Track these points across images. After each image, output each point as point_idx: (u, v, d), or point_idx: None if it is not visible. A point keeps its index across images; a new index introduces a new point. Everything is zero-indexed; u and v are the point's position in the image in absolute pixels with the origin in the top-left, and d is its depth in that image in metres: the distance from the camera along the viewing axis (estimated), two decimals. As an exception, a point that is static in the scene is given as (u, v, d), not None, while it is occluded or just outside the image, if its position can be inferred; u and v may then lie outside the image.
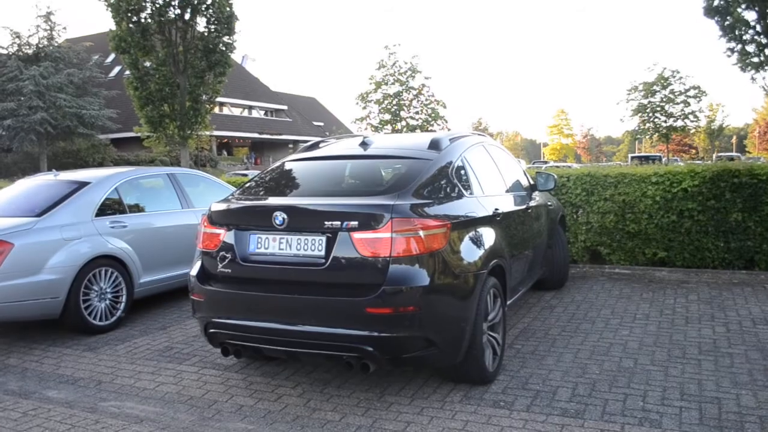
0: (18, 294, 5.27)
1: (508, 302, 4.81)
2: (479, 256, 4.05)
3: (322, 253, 3.68)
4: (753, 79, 7.97)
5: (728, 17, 6.79)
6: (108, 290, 5.93)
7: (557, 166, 31.36)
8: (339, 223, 3.61)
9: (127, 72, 15.86)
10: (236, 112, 57.72)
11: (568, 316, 5.76)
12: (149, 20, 15.25)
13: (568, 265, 6.89)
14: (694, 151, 59.34)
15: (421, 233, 3.60)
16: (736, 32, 6.91)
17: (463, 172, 4.45)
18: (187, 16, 15.41)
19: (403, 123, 29.75)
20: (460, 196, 4.22)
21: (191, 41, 15.42)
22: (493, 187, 4.93)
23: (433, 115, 30.00)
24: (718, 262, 7.18)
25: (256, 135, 53.79)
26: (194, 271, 4.16)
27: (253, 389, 4.35)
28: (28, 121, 29.66)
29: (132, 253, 6.12)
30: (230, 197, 4.34)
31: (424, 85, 30.16)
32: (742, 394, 3.86)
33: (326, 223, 3.65)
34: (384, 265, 3.53)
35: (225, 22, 15.96)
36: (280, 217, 3.74)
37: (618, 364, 4.47)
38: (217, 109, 55.04)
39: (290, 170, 4.65)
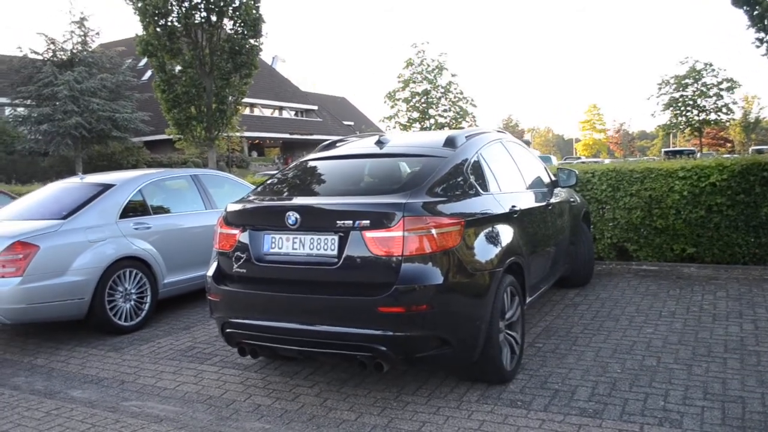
0: (44, 295, 5.39)
1: (528, 300, 4.75)
2: (495, 254, 4.01)
3: (335, 252, 3.68)
4: (781, 69, 7.73)
5: (757, 6, 6.59)
6: (133, 291, 6.03)
7: (585, 162, 30.97)
8: (351, 222, 3.61)
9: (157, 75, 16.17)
10: (267, 113, 58.19)
11: (592, 313, 5.67)
12: (176, 23, 15.49)
13: (593, 262, 6.78)
14: (729, 144, 57.90)
15: (434, 231, 3.57)
16: (766, 22, 6.71)
17: (479, 169, 4.41)
18: (213, 19, 15.59)
19: (432, 121, 29.67)
20: (475, 193, 4.18)
21: (217, 44, 15.58)
22: (510, 184, 4.88)
23: (461, 112, 29.87)
24: (749, 257, 6.99)
25: (286, 135, 54.12)
26: (211, 271, 4.20)
27: (271, 389, 4.38)
28: (63, 125, 30.28)
29: (156, 254, 6.21)
30: (246, 198, 4.37)
31: (451, 83, 30.04)
32: (767, 394, 3.75)
33: (338, 222, 3.65)
34: (396, 263, 3.52)
35: (252, 24, 16.04)
36: (293, 217, 3.76)
37: (640, 362, 4.38)
38: (247, 111, 55.73)
39: (306, 170, 4.66)
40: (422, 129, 29.95)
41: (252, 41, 15.81)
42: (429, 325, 3.57)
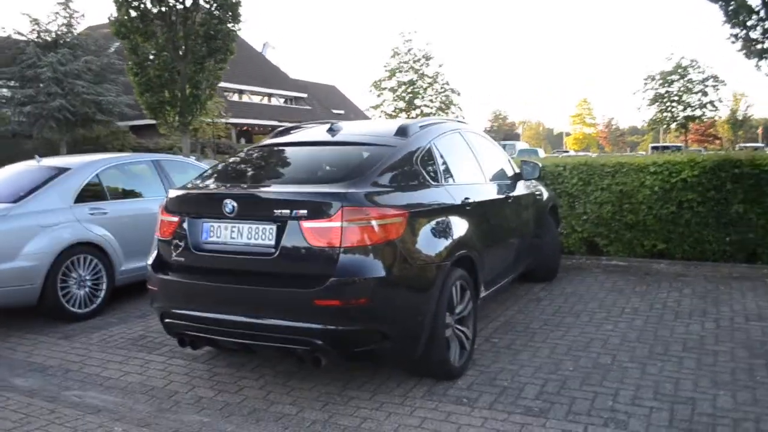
0: (-8, 281, 5.22)
1: (483, 294, 4.65)
2: (442, 247, 3.89)
3: (272, 242, 3.55)
4: (758, 66, 7.66)
5: (732, 2, 6.49)
6: (87, 278, 5.87)
7: (560, 156, 30.83)
8: (288, 211, 3.48)
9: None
10: (255, 99, 57.78)
11: (554, 309, 5.57)
12: (149, 6, 15.13)
13: (559, 257, 6.69)
14: (718, 141, 58.09)
15: (375, 223, 3.45)
16: (740, 18, 6.61)
17: (430, 159, 4.28)
18: (188, 2, 15.26)
19: (418, 111, 29.49)
20: (424, 184, 4.05)
21: (192, 27, 15.27)
22: (466, 175, 4.76)
23: (446, 102, 29.69)
24: (719, 254, 6.92)
25: (275, 123, 53.65)
26: (150, 260, 4.07)
27: (215, 380, 4.25)
28: (46, 107, 29.84)
29: (113, 240, 6.05)
30: (188, 185, 4.23)
31: (438, 73, 29.87)
32: (719, 395, 3.66)
33: (276, 211, 3.52)
34: (334, 255, 3.39)
35: (229, 8, 15.76)
36: (230, 204, 3.62)
37: (595, 360, 4.29)
38: (236, 97, 55.32)
39: (253, 157, 4.52)
40: (407, 118, 29.82)
41: (229, 26, 15.51)
42: (367, 319, 3.45)
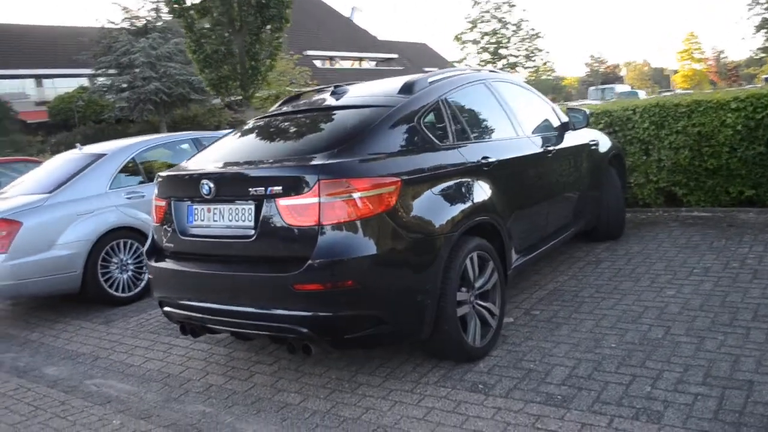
0: (32, 271, 5.32)
1: (518, 263, 4.17)
2: (449, 216, 3.43)
3: (252, 223, 3.25)
4: None
5: None
6: (130, 262, 5.88)
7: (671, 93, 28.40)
8: (263, 189, 3.16)
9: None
10: (346, 65, 57.87)
11: (613, 272, 4.96)
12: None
13: (623, 212, 5.97)
14: None
15: (358, 195, 3.05)
16: None
17: (438, 117, 3.80)
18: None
19: (504, 61, 28.18)
20: (427, 146, 3.59)
21: None
22: (490, 131, 4.24)
23: (532, 49, 28.16)
24: (820, 198, 5.95)
25: (367, 87, 53.21)
26: (146, 247, 3.90)
27: (230, 366, 4.08)
28: (143, 91, 31.23)
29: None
30: (179, 165, 4.00)
31: (522, 20, 28.31)
32: (787, 376, 3.03)
33: (251, 189, 3.21)
34: (312, 235, 3.04)
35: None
36: (206, 186, 3.36)
37: (644, 334, 3.72)
38: (328, 64, 55.65)
39: (246, 131, 4.21)
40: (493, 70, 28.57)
41: None
42: (356, 303, 3.09)
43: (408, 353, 3.83)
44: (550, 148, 4.72)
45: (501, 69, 28.51)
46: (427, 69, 51.70)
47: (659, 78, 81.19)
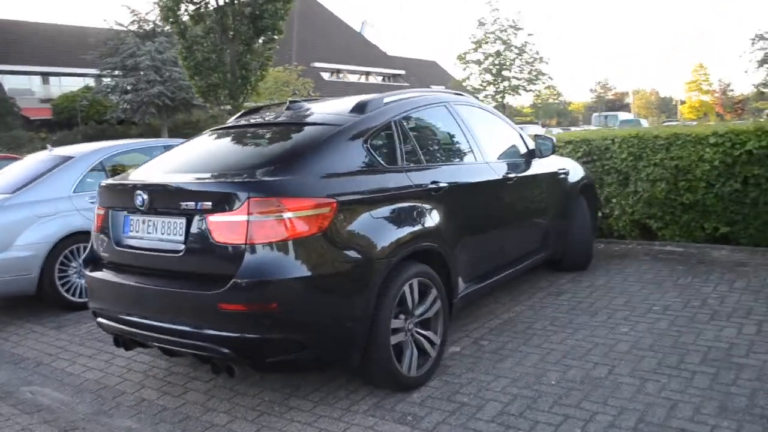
0: (-13, 270, 5.23)
1: (467, 292, 4.08)
2: (389, 241, 3.35)
3: (182, 238, 3.18)
4: None
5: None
6: (89, 266, 5.79)
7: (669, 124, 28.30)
8: (194, 204, 3.09)
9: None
10: (353, 78, 58.11)
11: (572, 305, 4.86)
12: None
13: (592, 243, 5.88)
14: None
15: (289, 215, 2.98)
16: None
17: (388, 139, 3.73)
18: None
19: (506, 83, 28.18)
20: (371, 168, 3.52)
21: (238, 7, 15.07)
22: (444, 155, 4.19)
23: (535, 73, 28.16)
24: (794, 240, 5.86)
25: (371, 102, 53.16)
26: (84, 255, 3.83)
27: (166, 381, 3.99)
28: (147, 94, 31.41)
29: (116, 227, 5.93)
30: (123, 174, 3.94)
31: (527, 43, 28.33)
32: (721, 427, 2.92)
33: (182, 204, 3.15)
34: (239, 253, 2.96)
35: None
36: (140, 197, 3.29)
37: (587, 372, 3.62)
38: (334, 77, 55.87)
39: (195, 143, 4.15)
40: (496, 92, 28.60)
41: (278, 4, 15.11)
42: (279, 327, 3.00)
43: (347, 378, 3.73)
44: (512, 175, 4.64)
45: (503, 91, 28.59)
46: (434, 87, 52.11)
47: (666, 107, 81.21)
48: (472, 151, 4.38)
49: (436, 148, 4.21)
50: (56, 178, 5.76)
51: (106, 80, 34.04)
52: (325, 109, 4.10)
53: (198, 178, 3.32)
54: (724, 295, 4.84)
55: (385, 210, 3.42)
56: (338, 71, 57.22)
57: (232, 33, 15.23)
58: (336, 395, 3.55)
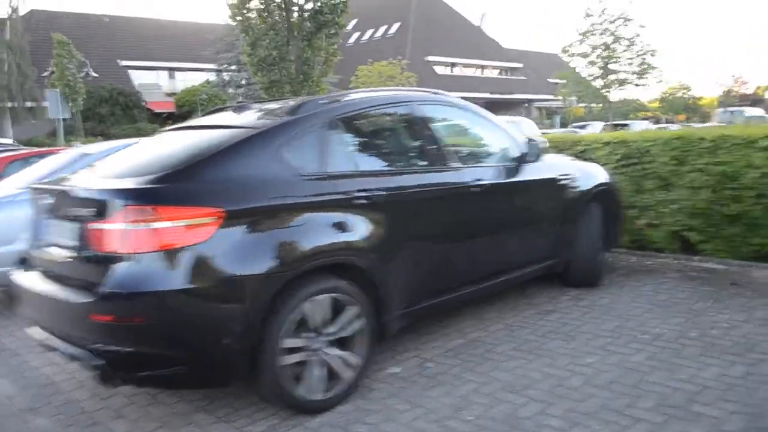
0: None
1: (408, 310, 3.74)
2: (285, 253, 3.11)
3: (73, 244, 3.15)
4: None
5: None
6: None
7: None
8: (82, 210, 3.06)
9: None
10: (468, 72, 57.31)
11: (554, 327, 4.35)
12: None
13: (601, 256, 5.24)
14: None
15: (165, 224, 2.83)
16: None
17: (315, 143, 3.44)
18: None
19: (613, 76, 26.48)
20: (282, 174, 3.25)
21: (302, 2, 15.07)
22: (388, 160, 3.86)
23: (643, 66, 26.20)
24: None
25: (487, 95, 52.59)
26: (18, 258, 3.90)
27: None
28: (257, 89, 32.62)
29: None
30: (63, 176, 3.98)
31: (637, 35, 26.40)
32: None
33: (73, 209, 3.13)
34: (110, 262, 2.87)
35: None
36: (49, 201, 3.31)
37: (515, 410, 3.19)
38: (448, 70, 55.39)
39: (135, 145, 4.12)
40: (604, 85, 26.90)
41: None
42: (148, 341, 2.87)
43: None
44: (484, 182, 4.19)
45: (609, 85, 26.87)
46: (551, 80, 50.14)
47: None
48: (433, 155, 3.99)
49: (383, 152, 3.89)
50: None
51: (224, 75, 35.69)
52: (259, 112, 3.90)
53: (96, 184, 3.27)
54: (735, 325, 4.14)
55: (288, 220, 3.17)
56: (453, 65, 56.66)
57: (296, 31, 15.31)
58: (240, 413, 3.37)
